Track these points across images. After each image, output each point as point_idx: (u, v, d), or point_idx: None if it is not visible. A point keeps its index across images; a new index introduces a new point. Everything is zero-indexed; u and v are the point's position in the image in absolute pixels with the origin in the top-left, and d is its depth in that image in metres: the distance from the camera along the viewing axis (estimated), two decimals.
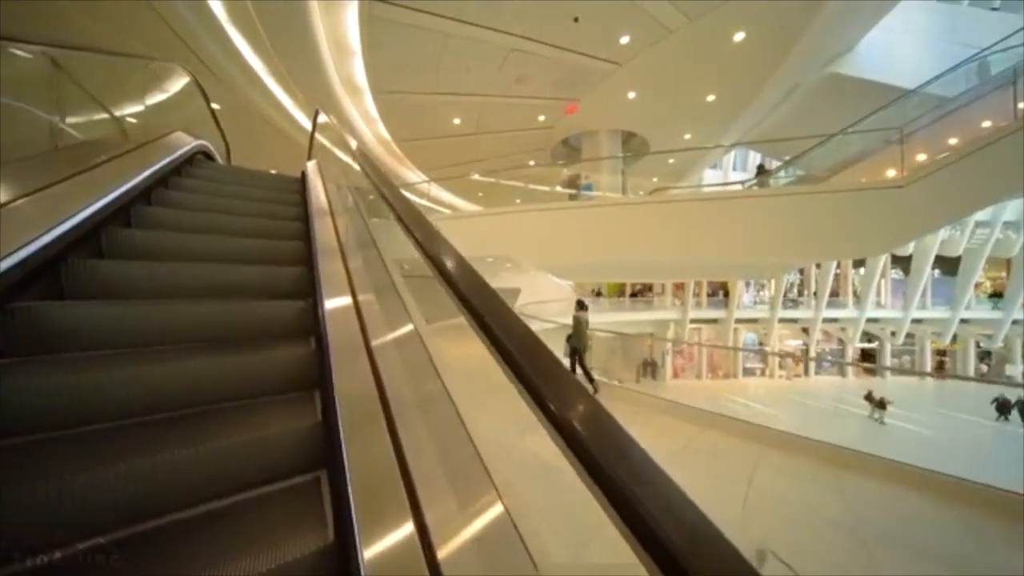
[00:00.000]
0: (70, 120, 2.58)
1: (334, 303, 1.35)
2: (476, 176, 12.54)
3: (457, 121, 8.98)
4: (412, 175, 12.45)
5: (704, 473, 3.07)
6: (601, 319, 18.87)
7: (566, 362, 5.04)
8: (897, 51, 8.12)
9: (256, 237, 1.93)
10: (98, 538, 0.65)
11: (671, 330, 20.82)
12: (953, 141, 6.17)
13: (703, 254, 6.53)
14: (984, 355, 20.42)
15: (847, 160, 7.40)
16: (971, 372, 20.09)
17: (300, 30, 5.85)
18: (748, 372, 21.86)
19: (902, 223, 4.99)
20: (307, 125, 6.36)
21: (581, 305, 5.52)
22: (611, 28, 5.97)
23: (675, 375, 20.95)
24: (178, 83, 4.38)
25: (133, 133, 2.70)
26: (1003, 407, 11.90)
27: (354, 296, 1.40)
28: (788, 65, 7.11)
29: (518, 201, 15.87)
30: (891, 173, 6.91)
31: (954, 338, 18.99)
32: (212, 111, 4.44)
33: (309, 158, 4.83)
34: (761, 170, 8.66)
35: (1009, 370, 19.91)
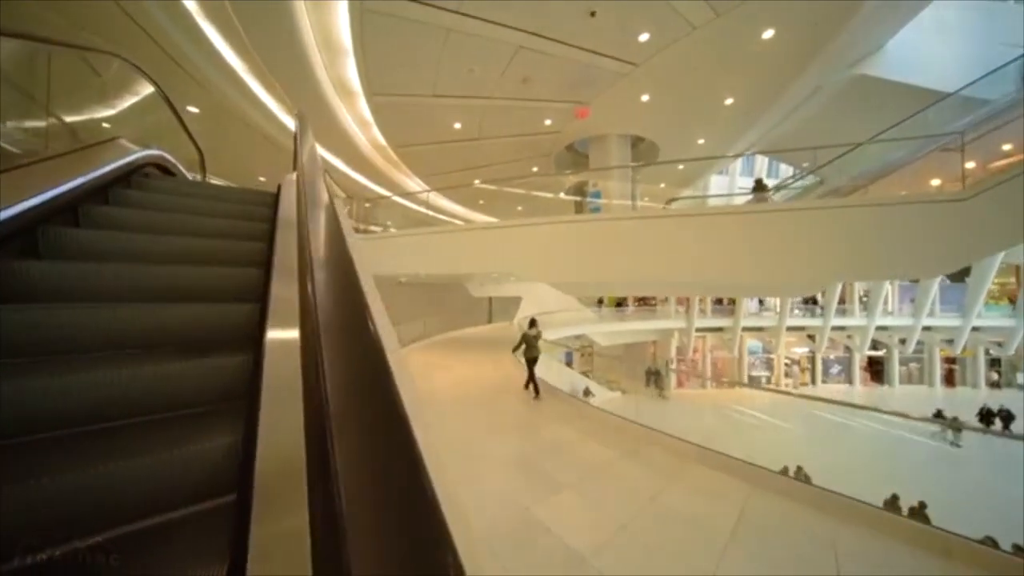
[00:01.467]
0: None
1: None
2: (478, 183, 11.98)
3: (458, 126, 8.39)
4: (410, 182, 11.85)
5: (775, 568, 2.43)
6: (604, 328, 18.29)
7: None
8: (928, 51, 7.61)
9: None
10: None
11: (676, 338, 20.34)
12: (1007, 147, 5.65)
13: (726, 273, 5.94)
14: (994, 362, 20.09)
15: (875, 171, 6.86)
16: (981, 380, 19.77)
17: (283, 26, 5.24)
18: (753, 380, 21.42)
19: (965, 241, 4.42)
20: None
21: (532, 323, 6.65)
22: (630, 24, 5.40)
23: (679, 384, 20.47)
24: (146, 87, 3.77)
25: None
26: (985, 416, 12.47)
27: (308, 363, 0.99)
28: (816, 65, 6.58)
29: (520, 208, 15.35)
30: (935, 183, 6.38)
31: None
32: (180, 118, 3.80)
33: (295, 168, 4.15)
34: (759, 185, 8.10)
35: (1020, 379, 19.61)
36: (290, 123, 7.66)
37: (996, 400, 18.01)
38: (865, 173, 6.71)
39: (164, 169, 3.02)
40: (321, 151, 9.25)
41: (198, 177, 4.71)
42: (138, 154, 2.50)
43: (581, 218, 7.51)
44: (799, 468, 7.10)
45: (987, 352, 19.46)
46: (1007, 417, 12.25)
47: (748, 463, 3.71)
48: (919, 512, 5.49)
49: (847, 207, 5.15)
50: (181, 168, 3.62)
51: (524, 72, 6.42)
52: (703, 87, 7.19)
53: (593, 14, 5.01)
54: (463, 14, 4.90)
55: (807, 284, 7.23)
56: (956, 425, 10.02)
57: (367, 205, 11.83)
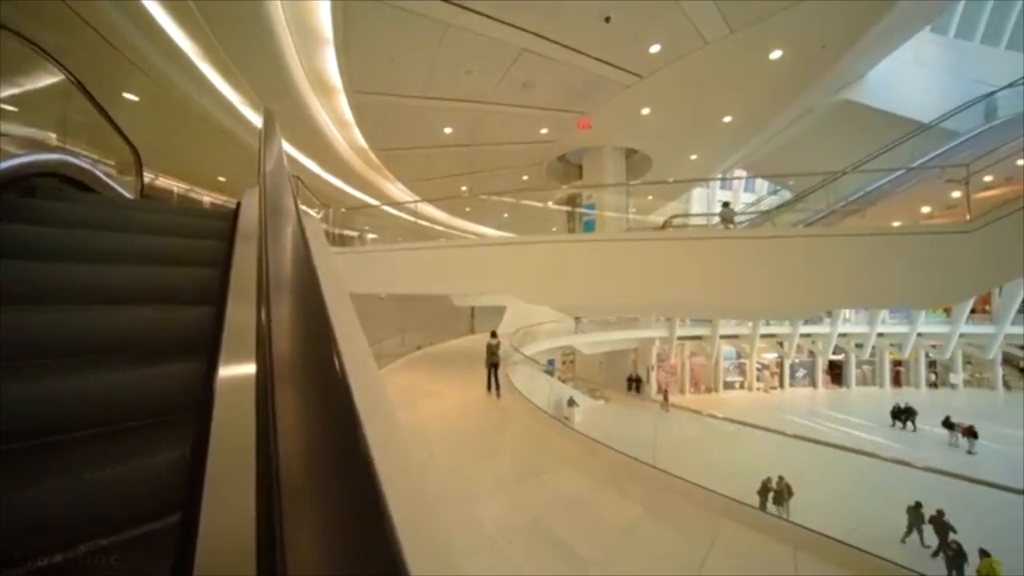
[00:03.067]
0: None
1: None
2: (464, 189, 11.37)
3: (448, 130, 7.76)
4: (392, 187, 11.01)
5: None
6: (587, 339, 18.19)
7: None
8: (906, 82, 7.98)
9: None
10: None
11: (656, 346, 20.74)
12: (988, 178, 5.87)
13: (731, 297, 5.77)
14: (931, 364, 22.12)
15: (870, 196, 7.01)
16: (923, 381, 21.72)
17: (247, 7, 4.42)
18: (728, 386, 22.27)
19: (970, 273, 4.44)
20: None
21: (493, 335, 8.10)
22: (643, 34, 5.08)
23: (659, 390, 20.82)
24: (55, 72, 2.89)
25: None
26: (897, 414, 14.10)
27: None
28: (816, 88, 6.62)
29: (506, 215, 14.87)
30: (925, 210, 6.58)
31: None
32: (101, 108, 2.95)
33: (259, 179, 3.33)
34: (726, 208, 8.19)
35: (952, 378, 21.73)
36: (256, 119, 6.70)
37: (933, 398, 19.99)
38: (860, 198, 6.82)
39: (73, 182, 2.20)
40: (292, 151, 8.28)
41: (147, 181, 3.80)
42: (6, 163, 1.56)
43: (581, 238, 7.15)
44: (780, 478, 7.08)
45: (927, 355, 21.43)
46: (909, 412, 13.85)
47: (783, 519, 3.41)
48: (939, 520, 5.51)
49: (852, 236, 5.09)
50: (105, 177, 2.79)
51: (525, 77, 5.95)
52: (704, 104, 7.06)
53: (608, 19, 4.63)
54: (466, 8, 4.34)
55: (812, 308, 7.27)
56: (973, 431, 10.50)
57: (343, 211, 10.94)
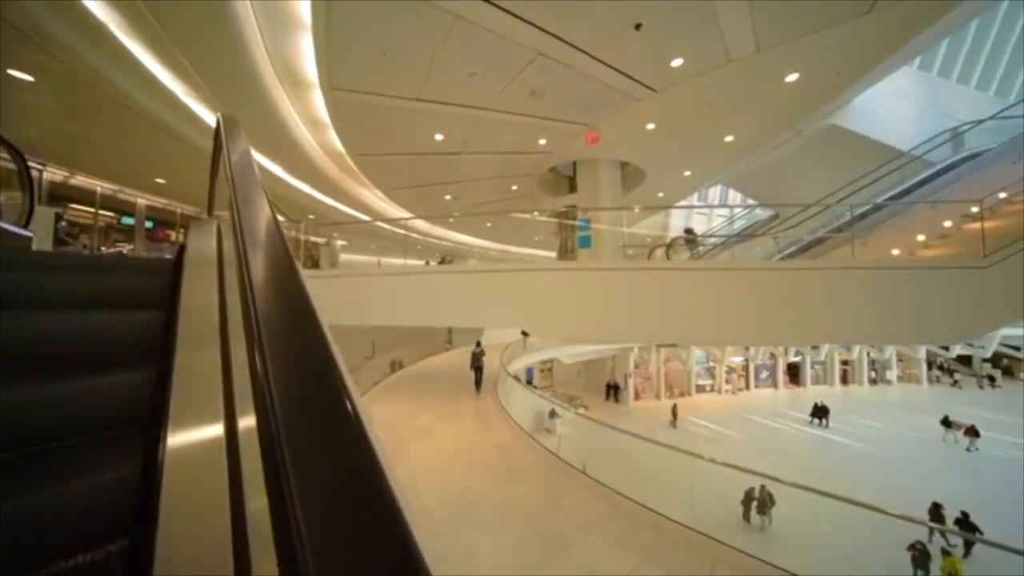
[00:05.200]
0: None
1: None
2: (449, 198, 10.53)
3: (440, 137, 6.93)
4: (368, 194, 9.90)
5: None
6: (568, 351, 17.97)
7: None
8: (886, 110, 8.35)
9: None
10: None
11: (635, 354, 21.06)
12: (975, 209, 6.10)
13: (744, 329, 5.54)
14: (871, 363, 24.51)
15: (868, 225, 7.15)
16: (865, 379, 23.90)
17: None
18: (699, 388, 23.13)
19: (985, 309, 4.45)
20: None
21: (477, 344, 10.07)
22: (670, 46, 4.65)
23: (637, 396, 21.17)
24: None
25: None
26: (815, 413, 15.33)
27: None
28: (818, 112, 6.62)
29: (489, 225, 14.13)
30: (920, 238, 6.78)
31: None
32: None
33: (209, 210, 2.20)
34: (689, 234, 8.19)
35: (889, 375, 24.22)
36: (203, 113, 5.48)
37: (875, 393, 22.08)
38: (847, 224, 6.92)
39: None
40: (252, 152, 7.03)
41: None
42: None
43: (585, 266, 6.67)
44: (763, 487, 6.98)
45: (868, 355, 23.69)
46: (824, 411, 15.34)
47: None
48: (965, 523, 5.46)
49: (862, 268, 4.99)
50: None
51: (535, 83, 5.32)
52: (712, 121, 6.85)
53: (639, 26, 4.13)
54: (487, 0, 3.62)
55: (826, 340, 7.27)
56: (975, 431, 10.91)
57: (311, 217, 9.71)
